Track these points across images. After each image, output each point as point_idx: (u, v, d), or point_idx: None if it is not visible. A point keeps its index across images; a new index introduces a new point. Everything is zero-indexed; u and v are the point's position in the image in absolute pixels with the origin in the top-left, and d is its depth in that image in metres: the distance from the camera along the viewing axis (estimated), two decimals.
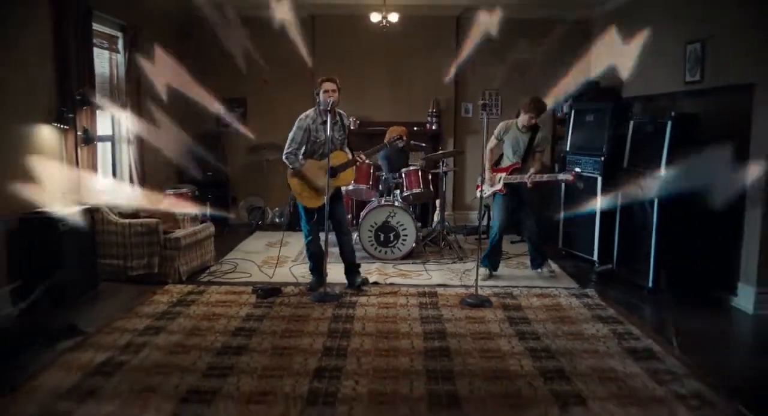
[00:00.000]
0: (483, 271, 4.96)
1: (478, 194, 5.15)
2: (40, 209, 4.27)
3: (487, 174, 5.06)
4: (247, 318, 4.02)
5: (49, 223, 4.17)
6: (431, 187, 6.06)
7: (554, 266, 5.50)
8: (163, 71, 6.59)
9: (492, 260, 5.19)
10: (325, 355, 3.37)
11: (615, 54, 6.55)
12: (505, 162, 5.10)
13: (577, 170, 5.51)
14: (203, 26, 6.95)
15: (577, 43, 7.21)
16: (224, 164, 7.52)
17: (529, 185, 4.92)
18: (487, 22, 7.27)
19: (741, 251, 4.39)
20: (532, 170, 4.92)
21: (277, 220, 7.71)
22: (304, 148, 4.54)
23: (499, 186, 5.03)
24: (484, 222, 6.46)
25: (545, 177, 4.97)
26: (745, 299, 4.35)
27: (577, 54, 7.08)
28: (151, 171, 6.32)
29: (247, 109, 7.71)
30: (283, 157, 4.55)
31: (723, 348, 3.74)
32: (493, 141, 5.12)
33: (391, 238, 5.65)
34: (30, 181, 4.32)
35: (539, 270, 5.24)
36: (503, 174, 5.02)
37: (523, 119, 4.96)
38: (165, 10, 6.98)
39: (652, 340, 3.65)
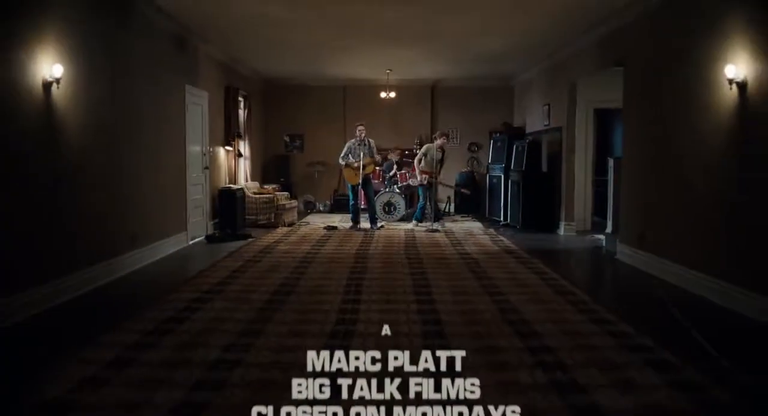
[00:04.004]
0: (414, 222, 9.69)
1: (411, 182, 9.98)
2: (226, 186, 9.05)
3: (418, 174, 9.58)
4: (324, 235, 8.70)
5: (230, 193, 8.90)
6: None
7: (477, 224, 10.21)
8: (259, 117, 11.52)
9: (421, 217, 9.76)
10: (362, 244, 8.02)
11: (522, 107, 11.46)
12: (425, 168, 9.57)
13: (492, 176, 10.26)
14: (279, 90, 11.87)
15: (503, 100, 12.12)
16: (290, 173, 12.32)
17: (438, 183, 9.60)
18: (450, 87, 12.26)
19: (561, 207, 9.10)
20: (440, 177, 9.59)
21: (321, 208, 12.43)
22: (349, 156, 9.27)
23: (424, 182, 9.58)
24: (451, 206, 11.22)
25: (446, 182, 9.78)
26: (561, 229, 9.04)
27: (503, 106, 12.02)
28: (253, 175, 11.10)
29: (304, 140, 12.54)
30: (339, 160, 9.31)
31: (542, 245, 8.36)
32: (420, 155, 9.66)
33: (391, 209, 10.34)
34: (220, 174, 9.16)
35: (435, 224, 9.61)
36: (426, 176, 9.55)
37: (438, 142, 9.58)
38: (260, 84, 11.90)
39: (506, 239, 8.31)
